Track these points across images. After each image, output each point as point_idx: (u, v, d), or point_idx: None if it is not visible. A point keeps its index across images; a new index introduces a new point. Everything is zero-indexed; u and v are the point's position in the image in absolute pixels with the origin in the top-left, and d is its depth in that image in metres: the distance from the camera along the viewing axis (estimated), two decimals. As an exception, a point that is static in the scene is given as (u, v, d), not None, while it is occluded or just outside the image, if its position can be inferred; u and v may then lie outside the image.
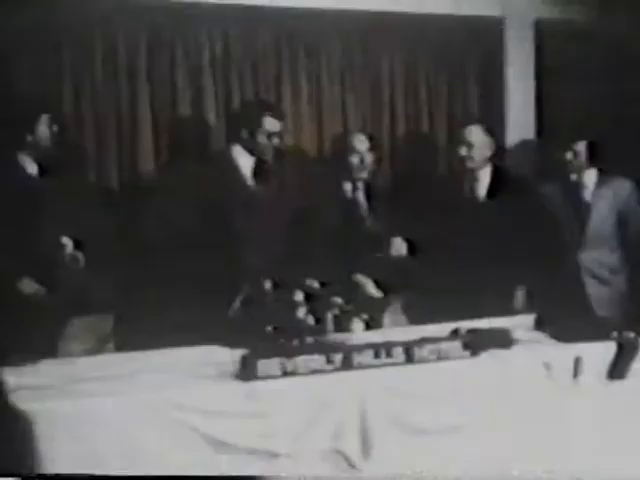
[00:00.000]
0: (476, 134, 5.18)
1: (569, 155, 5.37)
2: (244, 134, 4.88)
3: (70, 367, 3.78)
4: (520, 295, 5.15)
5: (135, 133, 5.41)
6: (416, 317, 4.81)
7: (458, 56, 6.16)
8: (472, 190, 5.25)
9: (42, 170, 4.57)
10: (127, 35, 5.38)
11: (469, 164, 5.19)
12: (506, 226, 5.01)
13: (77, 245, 4.51)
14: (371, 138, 5.21)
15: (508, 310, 4.85)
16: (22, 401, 3.31)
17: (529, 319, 4.41)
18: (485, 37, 6.11)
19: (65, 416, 3.28)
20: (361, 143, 5.11)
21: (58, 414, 3.28)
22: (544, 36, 6.14)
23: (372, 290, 4.52)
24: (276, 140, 4.90)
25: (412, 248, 5.01)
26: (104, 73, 5.36)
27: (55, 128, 4.59)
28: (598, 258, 5.35)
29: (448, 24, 5.93)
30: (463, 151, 5.17)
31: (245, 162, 4.92)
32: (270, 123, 4.87)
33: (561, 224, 5.34)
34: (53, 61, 5.24)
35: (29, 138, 4.52)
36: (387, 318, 4.83)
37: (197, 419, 3.44)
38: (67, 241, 4.49)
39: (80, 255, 4.51)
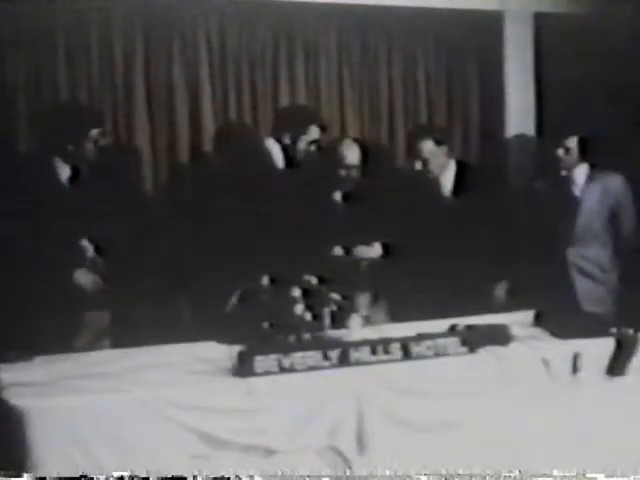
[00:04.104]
0: (428, 149, 5.21)
1: (560, 151, 5.35)
2: (286, 138, 5.03)
3: (65, 364, 3.76)
4: (500, 290, 5.16)
5: (131, 130, 5.41)
6: (400, 315, 4.79)
7: (457, 51, 6.16)
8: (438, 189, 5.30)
9: (74, 176, 4.63)
10: (123, 31, 5.37)
11: (428, 175, 5.24)
12: (477, 222, 5.04)
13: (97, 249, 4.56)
14: (363, 148, 5.25)
15: (488, 306, 4.86)
16: (16, 397, 3.29)
17: (527, 315, 4.38)
18: (484, 32, 6.09)
19: (59, 413, 3.26)
20: (351, 155, 5.18)
21: (52, 411, 3.26)
22: (543, 30, 6.13)
23: None
24: (313, 147, 5.04)
25: (388, 248, 5.10)
26: (100, 69, 5.35)
27: (104, 142, 4.67)
28: (587, 254, 5.31)
29: (446, 19, 5.92)
30: (419, 165, 5.23)
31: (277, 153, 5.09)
32: (315, 132, 5.06)
33: (550, 219, 5.32)
34: (47, 57, 5.22)
35: (70, 147, 4.57)
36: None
37: (193, 416, 3.43)
38: (88, 245, 4.52)
39: (100, 260, 4.55)
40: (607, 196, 5.36)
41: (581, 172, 5.39)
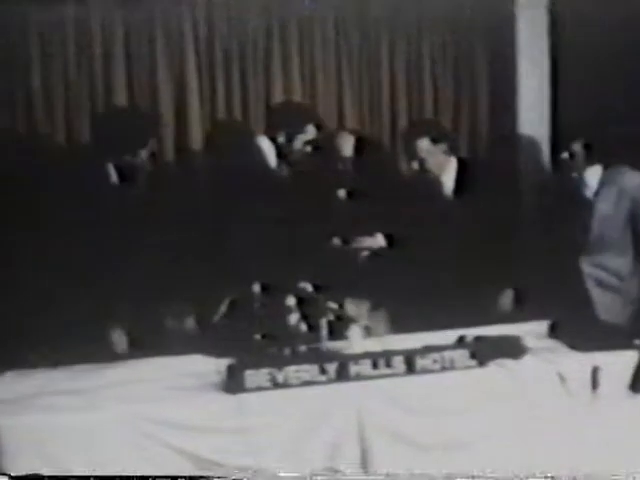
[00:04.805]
0: (424, 147, 5.20)
1: (565, 155, 5.30)
2: (280, 137, 5.03)
3: (38, 379, 3.71)
4: (506, 298, 5.07)
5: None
6: (403, 326, 4.74)
7: (465, 39, 6.15)
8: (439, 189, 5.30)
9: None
10: (102, 20, 5.36)
11: (427, 175, 5.22)
12: (484, 225, 5.00)
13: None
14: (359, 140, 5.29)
15: (499, 315, 4.78)
16: (-15, 416, 3.28)
17: (542, 326, 4.34)
18: (495, 18, 6.07)
19: (31, 432, 3.27)
20: (347, 147, 5.22)
21: (24, 429, 3.26)
22: (560, 16, 6.09)
23: None
24: (309, 147, 5.05)
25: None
26: (77, 63, 5.34)
27: (155, 148, 4.77)
28: (603, 263, 5.22)
29: (454, 5, 5.89)
30: (415, 165, 5.22)
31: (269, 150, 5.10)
32: (311, 131, 5.07)
33: (562, 224, 5.26)
34: (22, 48, 5.20)
35: (128, 158, 4.64)
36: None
37: (178, 435, 3.42)
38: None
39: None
40: (623, 197, 5.25)
41: (593, 174, 5.32)
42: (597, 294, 5.12)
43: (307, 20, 5.77)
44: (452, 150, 5.29)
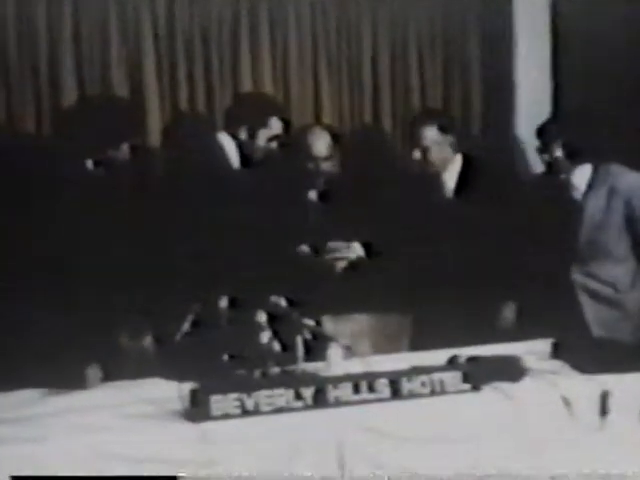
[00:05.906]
0: (431, 136, 5.27)
1: (546, 157, 5.28)
2: (242, 133, 5.08)
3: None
4: (509, 313, 5.14)
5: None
6: (388, 345, 4.79)
7: (457, 31, 6.18)
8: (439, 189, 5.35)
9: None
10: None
11: (428, 168, 5.27)
12: (482, 230, 5.06)
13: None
14: (335, 137, 5.38)
15: (496, 333, 4.86)
16: None
17: (544, 345, 4.33)
18: (490, 7, 6.05)
19: None
20: (320, 145, 5.31)
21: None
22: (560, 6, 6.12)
23: None
24: (274, 144, 5.09)
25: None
26: (19, 46, 5.34)
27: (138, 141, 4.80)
28: (596, 272, 5.21)
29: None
30: (417, 154, 5.27)
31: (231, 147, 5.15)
32: (276, 126, 5.10)
33: (554, 230, 5.24)
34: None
35: (110, 152, 4.69)
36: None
37: (135, 469, 3.35)
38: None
39: None
40: (616, 199, 5.23)
41: (582, 174, 5.30)
42: (590, 307, 5.13)
43: (279, 6, 5.77)
44: (459, 145, 5.33)
